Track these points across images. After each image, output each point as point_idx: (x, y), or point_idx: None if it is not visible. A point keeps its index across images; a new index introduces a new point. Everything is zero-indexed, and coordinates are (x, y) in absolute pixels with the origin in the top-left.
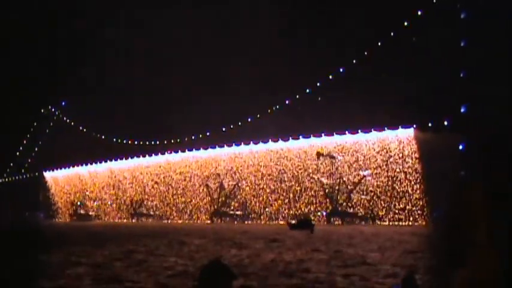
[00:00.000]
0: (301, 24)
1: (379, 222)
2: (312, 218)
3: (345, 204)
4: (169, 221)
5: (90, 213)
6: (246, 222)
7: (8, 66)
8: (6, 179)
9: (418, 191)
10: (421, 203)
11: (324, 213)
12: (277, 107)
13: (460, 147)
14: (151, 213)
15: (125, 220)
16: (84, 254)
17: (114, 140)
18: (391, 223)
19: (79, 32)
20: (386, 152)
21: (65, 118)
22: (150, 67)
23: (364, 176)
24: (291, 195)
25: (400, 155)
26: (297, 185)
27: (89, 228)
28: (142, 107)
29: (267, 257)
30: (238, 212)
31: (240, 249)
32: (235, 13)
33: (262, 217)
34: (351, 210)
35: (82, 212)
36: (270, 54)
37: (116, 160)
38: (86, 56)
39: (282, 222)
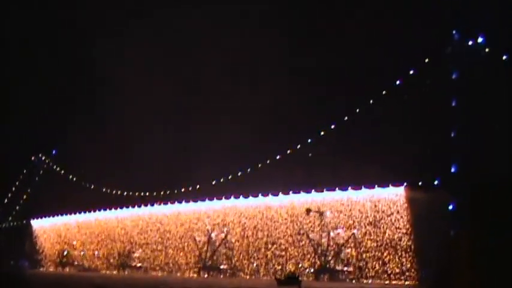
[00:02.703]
0: (292, 78)
1: (368, 281)
2: (300, 274)
3: (333, 261)
4: (157, 274)
5: (76, 263)
6: (234, 276)
7: None
8: None
9: (408, 250)
10: (410, 262)
11: (312, 270)
12: (268, 161)
13: (450, 206)
14: (139, 265)
15: (114, 272)
16: None
17: (104, 190)
18: (380, 281)
19: (70, 80)
20: (376, 210)
21: (54, 167)
22: (140, 117)
23: (353, 234)
24: (280, 251)
25: (390, 213)
26: (285, 240)
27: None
28: (132, 158)
29: None
30: (226, 267)
31: None
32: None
33: (249, 272)
34: (340, 268)
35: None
36: (261, 109)
37: (104, 210)
38: (77, 105)
39: (268, 278)
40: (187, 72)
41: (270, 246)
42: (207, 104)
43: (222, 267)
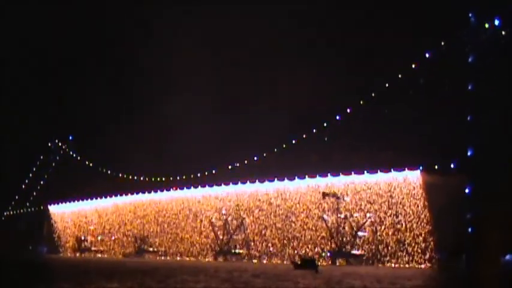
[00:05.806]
0: (308, 62)
1: (384, 264)
2: (316, 258)
3: (349, 245)
4: (172, 258)
5: (93, 248)
6: (251, 261)
7: (18, 100)
8: (11, 212)
9: (424, 233)
10: (427, 245)
11: (329, 254)
12: (284, 146)
13: (467, 190)
14: (155, 249)
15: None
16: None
17: (120, 175)
18: (396, 265)
19: (88, 68)
20: (392, 193)
21: (71, 153)
22: (156, 103)
23: (369, 218)
24: (296, 235)
25: (406, 196)
26: (301, 224)
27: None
28: (148, 143)
29: None
30: (242, 251)
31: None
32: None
33: (266, 256)
34: (356, 251)
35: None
36: (277, 94)
37: (120, 195)
38: (94, 91)
39: (286, 262)
40: (207, 58)
41: (286, 230)
42: (225, 93)
43: (238, 251)
